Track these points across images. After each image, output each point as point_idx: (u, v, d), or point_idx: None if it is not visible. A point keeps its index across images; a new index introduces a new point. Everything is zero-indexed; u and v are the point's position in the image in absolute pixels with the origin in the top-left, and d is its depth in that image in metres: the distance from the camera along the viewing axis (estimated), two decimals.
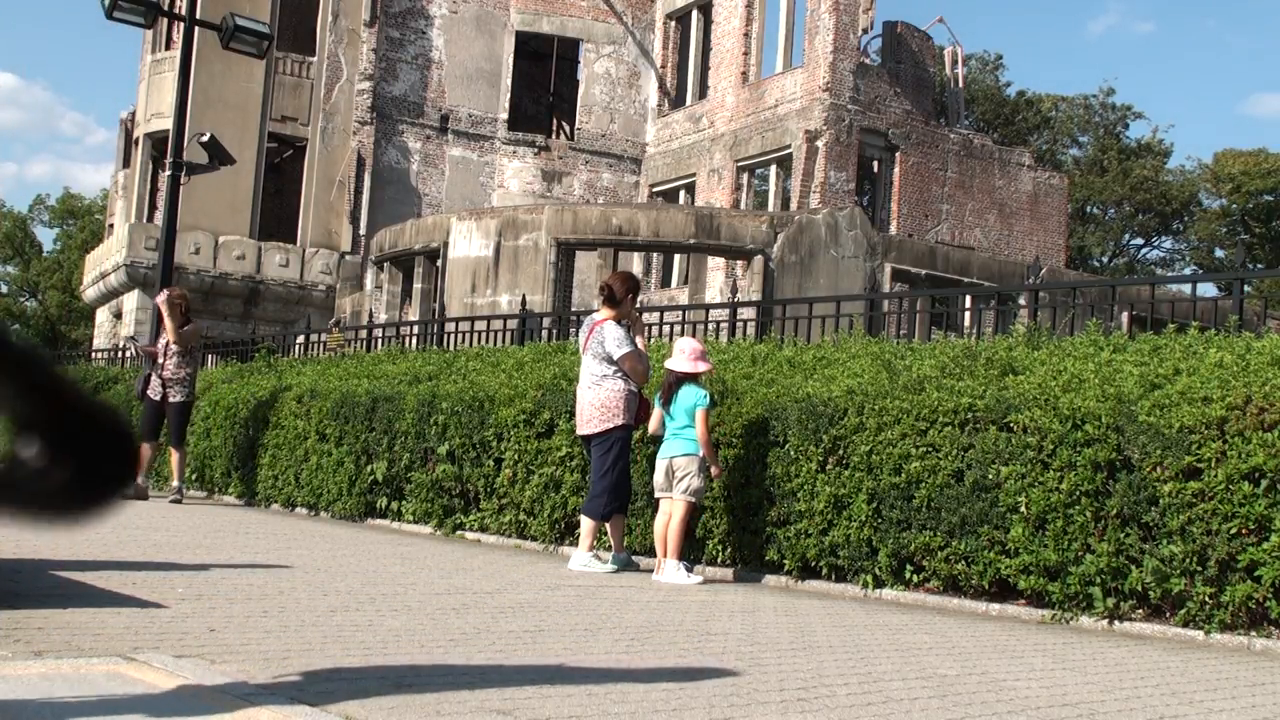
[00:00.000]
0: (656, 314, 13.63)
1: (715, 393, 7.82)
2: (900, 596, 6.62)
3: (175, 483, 12.09)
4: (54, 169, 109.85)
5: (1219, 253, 51.09)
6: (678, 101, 32.97)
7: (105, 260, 31.54)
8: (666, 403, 7.48)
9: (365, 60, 30.34)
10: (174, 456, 12.17)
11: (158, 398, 12.09)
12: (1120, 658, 4.88)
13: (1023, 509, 6.08)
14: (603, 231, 20.95)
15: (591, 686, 3.63)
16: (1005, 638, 5.35)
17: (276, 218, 30.75)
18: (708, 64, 31.73)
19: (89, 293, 34.03)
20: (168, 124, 20.66)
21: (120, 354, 23.50)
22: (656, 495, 7.53)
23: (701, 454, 7.33)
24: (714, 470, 7.39)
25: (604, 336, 7.71)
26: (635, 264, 27.71)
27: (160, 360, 12.12)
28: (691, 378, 7.44)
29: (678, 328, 12.51)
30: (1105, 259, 53.05)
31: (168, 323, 12.09)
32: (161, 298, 12.40)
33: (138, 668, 3.48)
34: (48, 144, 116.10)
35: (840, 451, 7.01)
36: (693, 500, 7.37)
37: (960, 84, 34.93)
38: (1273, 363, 5.91)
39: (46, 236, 69.14)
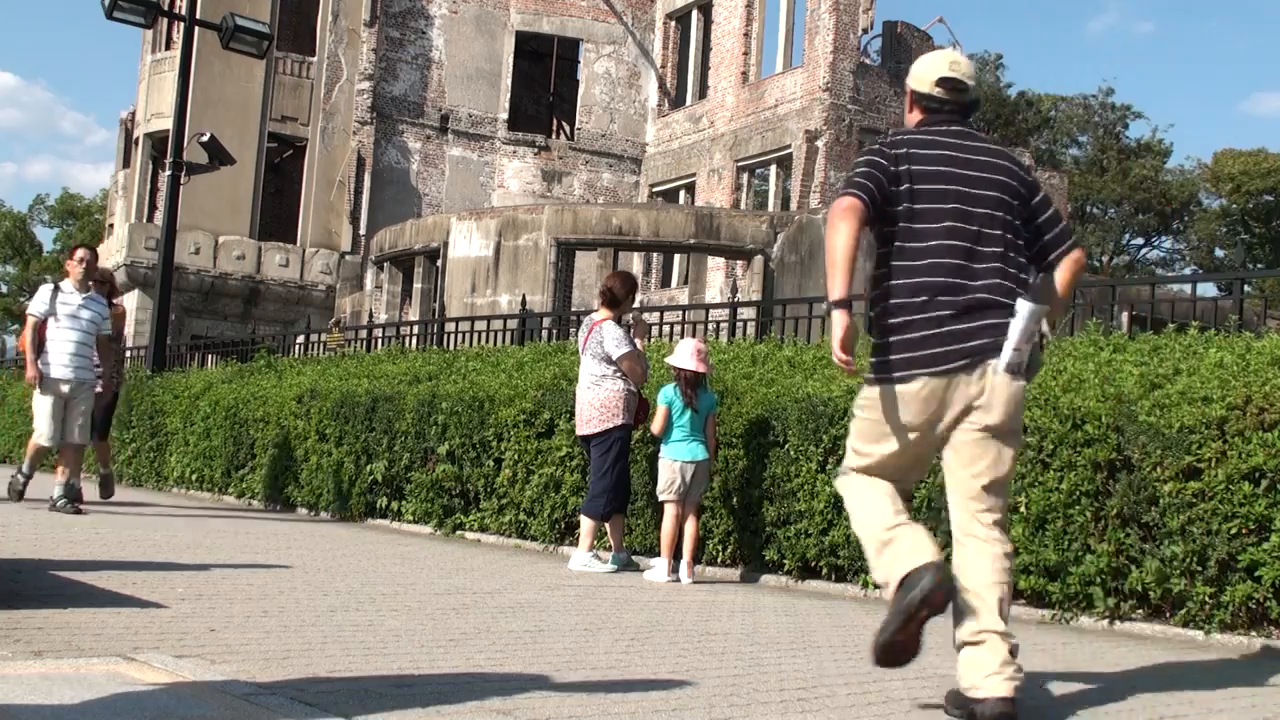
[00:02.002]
0: (656, 314, 13.63)
1: (715, 393, 7.82)
2: None
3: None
4: (54, 169, 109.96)
5: (1219, 253, 51.09)
6: (678, 101, 32.97)
7: (105, 260, 31.51)
8: (692, 404, 7.34)
9: (365, 60, 30.34)
10: (99, 448, 11.03)
11: None
12: (1120, 658, 4.88)
13: (1023, 509, 6.08)
14: (603, 231, 20.94)
15: (591, 686, 3.63)
16: None
17: (276, 218, 30.75)
18: (708, 64, 31.72)
19: None
20: (168, 124, 20.66)
21: None
22: (669, 498, 7.37)
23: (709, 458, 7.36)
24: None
25: (603, 336, 7.70)
26: (635, 264, 27.70)
27: None
28: (701, 379, 7.43)
29: (678, 328, 12.50)
30: (1105, 259, 53.04)
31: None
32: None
33: (138, 668, 3.48)
34: (48, 144, 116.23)
35: (840, 451, 7.00)
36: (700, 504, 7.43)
37: None
38: (1273, 363, 5.91)
39: (46, 236, 69.23)
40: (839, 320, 3.69)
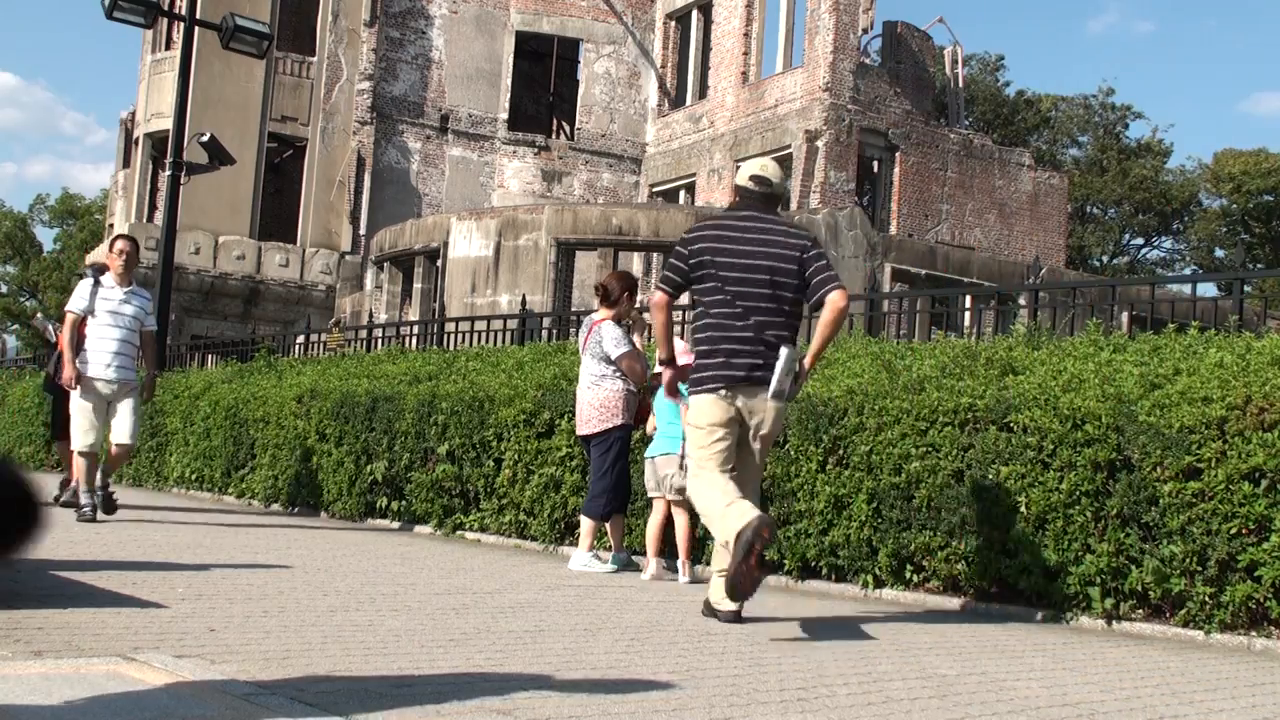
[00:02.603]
0: None
1: None
2: (900, 596, 6.62)
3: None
4: (54, 169, 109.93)
5: (1219, 253, 51.06)
6: (678, 101, 32.96)
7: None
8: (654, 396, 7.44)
9: (365, 60, 30.33)
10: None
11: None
12: (1120, 658, 4.88)
13: (1023, 509, 6.08)
14: (603, 231, 20.94)
15: (591, 686, 3.63)
16: (1005, 638, 5.35)
17: (276, 218, 30.74)
18: (708, 64, 31.72)
19: None
20: (168, 124, 20.65)
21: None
22: (653, 495, 7.51)
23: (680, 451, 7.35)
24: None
25: (602, 336, 7.71)
26: (635, 264, 27.70)
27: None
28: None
29: (677, 328, 12.51)
30: (1105, 259, 53.03)
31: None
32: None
33: (138, 668, 3.48)
34: (48, 144, 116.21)
35: (840, 451, 7.01)
36: (681, 498, 7.36)
37: (960, 84, 34.91)
38: (1273, 363, 5.91)
39: (46, 236, 69.24)
40: (664, 374, 5.80)
